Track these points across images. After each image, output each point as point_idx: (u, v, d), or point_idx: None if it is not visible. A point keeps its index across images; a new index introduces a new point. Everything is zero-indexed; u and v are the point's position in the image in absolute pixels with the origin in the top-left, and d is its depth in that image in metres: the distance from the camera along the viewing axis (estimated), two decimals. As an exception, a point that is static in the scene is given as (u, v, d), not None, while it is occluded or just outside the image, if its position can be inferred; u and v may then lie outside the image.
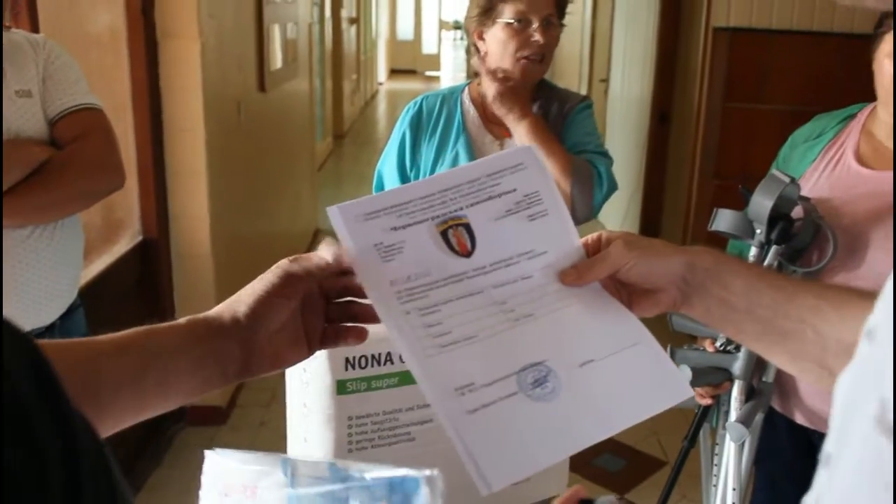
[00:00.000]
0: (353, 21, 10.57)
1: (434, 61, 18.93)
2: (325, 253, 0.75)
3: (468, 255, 0.77)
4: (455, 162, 1.89)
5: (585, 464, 3.06)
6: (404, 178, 1.95)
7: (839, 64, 3.42)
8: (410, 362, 0.70)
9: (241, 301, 0.73)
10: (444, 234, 0.77)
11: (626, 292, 0.81)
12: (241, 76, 3.68)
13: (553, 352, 0.73)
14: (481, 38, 1.91)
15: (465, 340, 0.72)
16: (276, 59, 4.46)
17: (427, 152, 1.93)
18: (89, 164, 1.74)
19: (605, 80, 6.18)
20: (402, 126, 1.96)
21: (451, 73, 17.31)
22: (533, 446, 0.67)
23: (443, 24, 19.60)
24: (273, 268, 0.74)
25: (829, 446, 0.54)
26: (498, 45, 1.89)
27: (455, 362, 0.70)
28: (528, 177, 0.81)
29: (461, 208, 0.78)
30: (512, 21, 1.85)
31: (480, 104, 1.95)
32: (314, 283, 0.75)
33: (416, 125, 1.95)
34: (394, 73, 17.97)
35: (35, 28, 2.25)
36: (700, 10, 3.94)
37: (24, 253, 1.70)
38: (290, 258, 0.75)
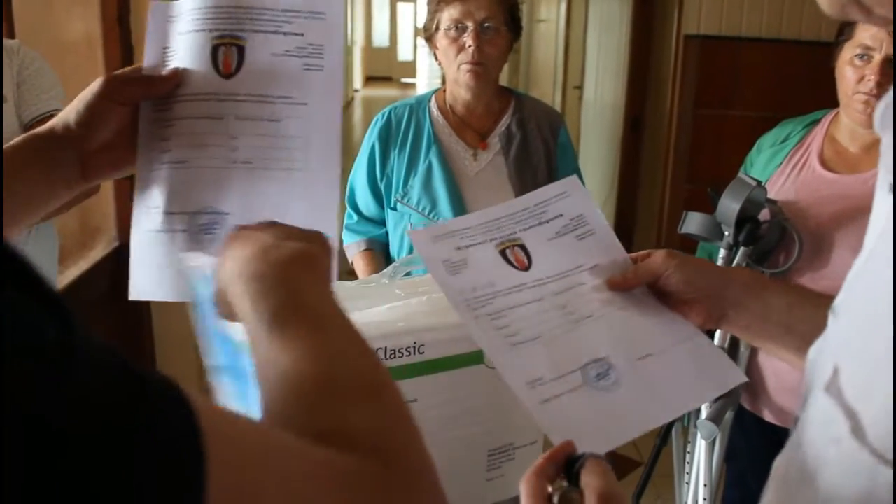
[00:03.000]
0: (328, 28, 10.55)
1: (410, 68, 18.96)
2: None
3: (526, 269, 0.85)
4: (429, 172, 1.87)
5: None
6: (374, 189, 1.93)
7: (807, 71, 3.49)
8: (491, 358, 0.80)
9: (72, 109, 0.74)
10: (503, 252, 0.86)
11: (664, 303, 0.86)
12: (216, 82, 3.67)
13: (612, 348, 0.80)
14: (436, 46, 1.93)
15: (531, 340, 0.80)
16: (252, 66, 4.45)
17: (398, 163, 1.90)
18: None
19: (579, 87, 6.24)
20: (370, 138, 1.95)
21: (426, 80, 17.34)
22: (601, 431, 0.75)
23: (418, 31, 19.60)
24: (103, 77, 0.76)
25: (798, 412, 0.58)
26: (442, 53, 1.90)
27: (525, 358, 0.78)
28: (572, 203, 0.91)
29: (515, 232, 0.87)
30: (449, 28, 1.85)
31: (449, 112, 1.95)
32: (147, 90, 0.76)
33: (386, 136, 1.93)
34: (369, 80, 17.97)
35: (11, 34, 2.24)
36: (671, 18, 4.00)
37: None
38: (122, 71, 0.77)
